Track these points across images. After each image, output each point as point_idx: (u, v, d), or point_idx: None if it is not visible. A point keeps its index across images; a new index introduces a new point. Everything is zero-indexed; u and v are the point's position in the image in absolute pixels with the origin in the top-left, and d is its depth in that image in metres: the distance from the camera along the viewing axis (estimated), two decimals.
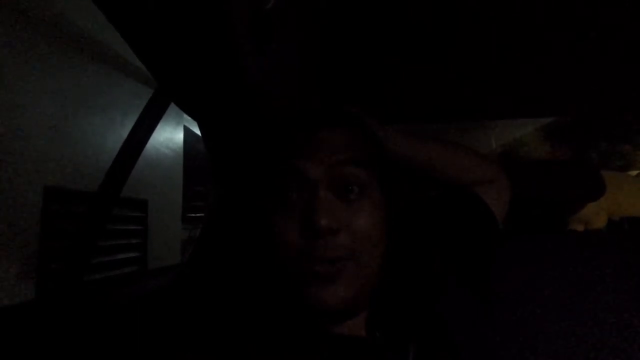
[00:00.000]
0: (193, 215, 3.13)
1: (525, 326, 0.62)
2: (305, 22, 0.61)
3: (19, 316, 0.55)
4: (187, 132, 2.81)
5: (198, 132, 2.92)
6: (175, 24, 0.40)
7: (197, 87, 0.50)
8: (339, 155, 0.40)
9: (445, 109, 1.06)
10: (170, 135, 2.54)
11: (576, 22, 0.62)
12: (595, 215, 0.94)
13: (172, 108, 0.62)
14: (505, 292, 0.66)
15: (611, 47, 0.70)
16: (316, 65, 0.74)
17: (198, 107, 0.55)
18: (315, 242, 0.37)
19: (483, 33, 0.64)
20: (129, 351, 0.52)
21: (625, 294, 0.63)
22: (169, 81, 0.49)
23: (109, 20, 0.39)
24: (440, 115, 1.10)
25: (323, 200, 0.38)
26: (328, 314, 0.37)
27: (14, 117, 1.26)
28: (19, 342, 0.48)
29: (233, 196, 0.66)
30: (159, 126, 0.66)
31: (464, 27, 0.63)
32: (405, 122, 1.08)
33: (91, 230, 0.62)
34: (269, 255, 0.40)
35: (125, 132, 0.61)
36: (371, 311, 0.43)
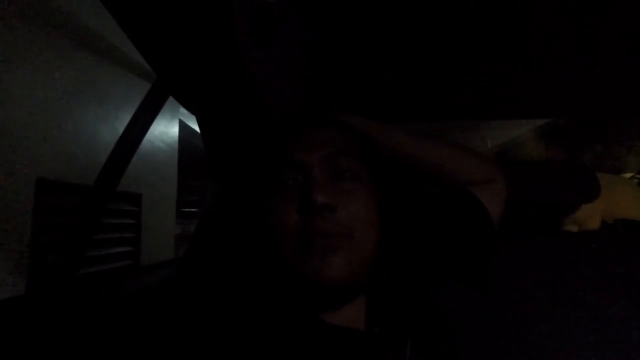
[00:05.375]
0: (187, 209, 3.12)
1: (523, 326, 0.63)
2: (306, 21, 0.60)
3: (10, 311, 0.54)
4: (182, 126, 2.78)
5: (193, 126, 2.91)
6: (177, 18, 0.40)
7: (197, 82, 0.49)
8: (331, 147, 0.43)
9: (442, 109, 1.06)
10: (165, 129, 2.51)
11: (575, 24, 0.62)
12: (589, 216, 0.95)
13: (167, 101, 0.61)
14: (503, 292, 0.66)
15: (608, 51, 0.70)
16: (317, 65, 0.74)
17: (197, 101, 0.54)
18: (313, 219, 0.38)
19: (480, 35, 0.65)
20: (122, 348, 0.52)
21: (620, 294, 0.64)
22: (169, 75, 0.49)
23: (111, 14, 0.39)
24: (437, 115, 1.11)
25: (318, 180, 0.40)
26: (327, 290, 0.38)
27: (6, 108, 1.23)
28: (10, 337, 0.48)
29: (230, 190, 0.66)
30: None
31: (462, 30, 0.63)
32: (401, 121, 1.09)
33: (86, 224, 0.61)
34: (268, 239, 0.41)
35: (119, 124, 0.60)
36: (370, 306, 0.44)
